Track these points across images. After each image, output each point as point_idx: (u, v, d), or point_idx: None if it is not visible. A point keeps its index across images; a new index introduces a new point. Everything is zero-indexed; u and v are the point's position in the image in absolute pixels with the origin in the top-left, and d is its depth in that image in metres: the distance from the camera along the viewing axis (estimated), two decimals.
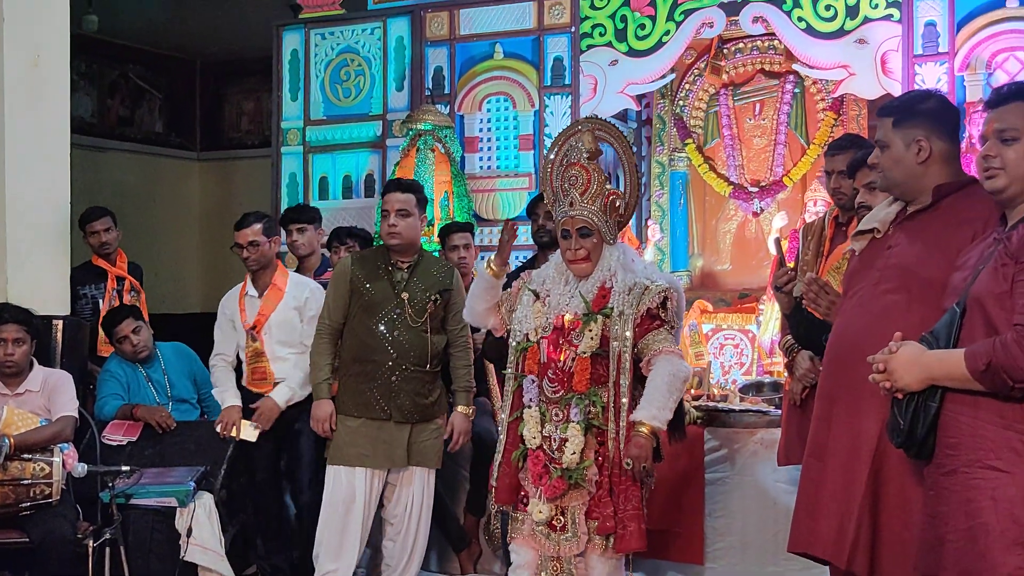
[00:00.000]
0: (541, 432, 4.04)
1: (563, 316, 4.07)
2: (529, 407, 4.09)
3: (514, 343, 4.21)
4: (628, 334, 3.99)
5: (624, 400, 3.99)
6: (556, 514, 4.02)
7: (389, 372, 4.96)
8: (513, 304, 4.27)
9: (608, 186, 4.10)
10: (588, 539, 3.99)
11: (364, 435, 4.99)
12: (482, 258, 4.80)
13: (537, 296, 4.18)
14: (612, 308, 4.01)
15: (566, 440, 3.98)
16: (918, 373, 2.86)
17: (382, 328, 4.98)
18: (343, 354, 5.11)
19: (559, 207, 4.12)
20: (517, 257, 6.68)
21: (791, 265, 4.52)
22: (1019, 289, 2.72)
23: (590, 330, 4.00)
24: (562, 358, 4.04)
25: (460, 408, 5.12)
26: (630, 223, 7.29)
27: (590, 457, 3.98)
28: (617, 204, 4.11)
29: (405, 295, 4.98)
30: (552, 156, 4.28)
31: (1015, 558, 2.69)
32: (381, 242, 5.23)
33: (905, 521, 3.11)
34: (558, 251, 4.22)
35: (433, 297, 5.01)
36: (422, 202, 5.11)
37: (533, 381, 4.09)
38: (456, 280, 5.18)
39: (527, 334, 4.15)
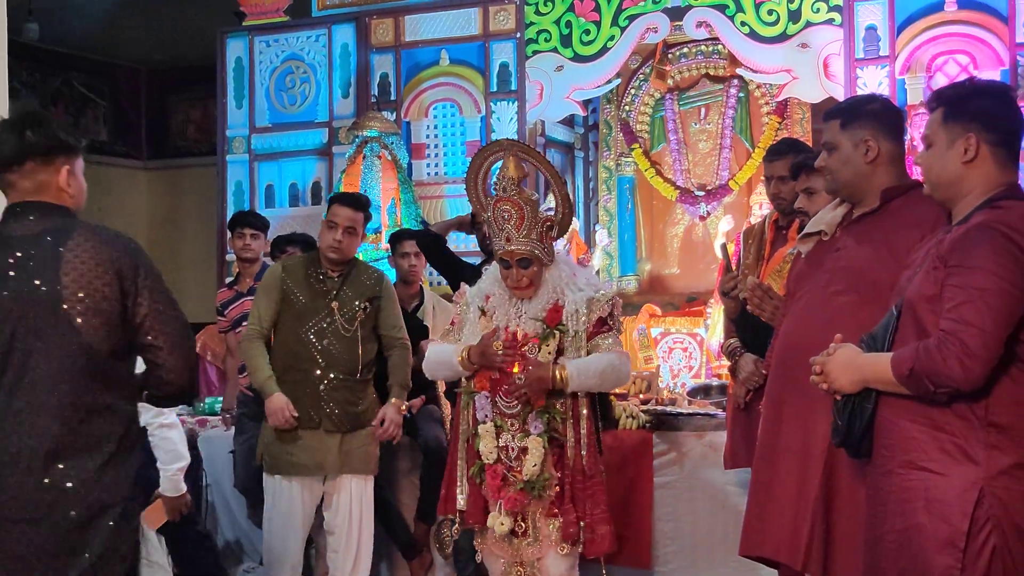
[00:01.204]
0: (497, 445, 4.08)
1: (514, 332, 4.11)
2: (484, 423, 4.12)
3: None
4: (583, 349, 4.07)
5: (584, 411, 4.08)
6: (518, 521, 4.08)
7: (318, 381, 4.91)
8: (464, 326, 4.27)
9: (540, 213, 4.12)
10: (546, 540, 4.06)
11: (297, 444, 4.96)
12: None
13: (483, 312, 4.21)
14: (566, 327, 4.07)
15: (525, 451, 4.03)
16: (852, 375, 2.87)
17: (311, 337, 4.93)
18: (272, 363, 5.04)
19: (496, 240, 4.15)
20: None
21: (736, 270, 4.53)
22: (947, 293, 2.73)
23: (547, 345, 4.06)
24: (517, 372, 4.06)
25: (393, 400, 5.05)
26: (577, 227, 7.32)
27: (549, 468, 4.04)
28: (551, 228, 4.16)
29: (335, 304, 4.93)
30: (474, 176, 4.31)
31: (946, 558, 2.71)
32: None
33: (857, 521, 3.12)
34: (495, 265, 4.24)
35: (363, 305, 4.98)
36: (367, 219, 5.13)
37: (487, 397, 4.12)
38: (386, 287, 5.15)
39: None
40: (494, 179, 4.22)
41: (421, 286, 6.12)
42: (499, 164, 4.19)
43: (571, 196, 8.14)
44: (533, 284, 4.11)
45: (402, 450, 5.72)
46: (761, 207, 7.09)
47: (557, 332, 4.07)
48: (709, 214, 7.68)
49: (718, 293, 4.13)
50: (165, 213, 10.61)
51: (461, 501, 4.18)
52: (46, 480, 2.74)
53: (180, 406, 6.50)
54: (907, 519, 2.78)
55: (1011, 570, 2.70)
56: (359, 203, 5.11)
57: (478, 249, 5.74)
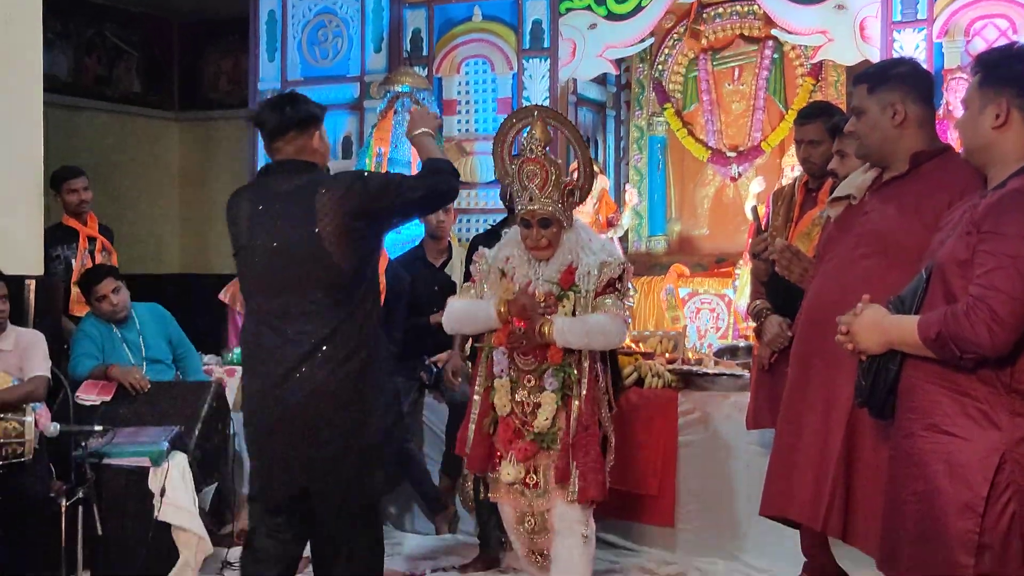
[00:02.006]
0: (512, 400, 4.22)
1: (538, 294, 4.21)
2: (500, 377, 4.26)
3: None
4: (589, 309, 4.19)
5: (586, 365, 4.19)
6: (529, 472, 4.22)
7: None
8: (484, 284, 4.38)
9: (564, 178, 4.24)
10: (557, 490, 4.18)
11: None
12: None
13: (504, 273, 4.32)
14: (579, 287, 4.20)
15: (539, 406, 4.18)
16: (878, 337, 2.88)
17: None
18: None
19: (519, 200, 4.24)
20: (486, 220, 6.70)
21: (767, 232, 4.54)
22: (979, 259, 2.73)
23: (563, 306, 4.18)
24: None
25: None
26: (607, 187, 7.32)
27: (560, 422, 4.17)
28: (572, 192, 4.26)
29: None
30: (502, 140, 4.40)
31: (965, 522, 2.72)
32: None
33: (877, 484, 3.13)
34: (515, 228, 4.35)
35: None
36: None
37: (504, 353, 4.25)
38: None
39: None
40: (522, 141, 4.30)
41: (450, 242, 6.15)
42: (527, 129, 4.28)
43: (601, 157, 8.24)
44: (552, 245, 4.21)
45: (428, 405, 5.78)
46: (793, 169, 7.05)
47: (571, 293, 4.19)
48: (740, 175, 7.65)
49: (748, 254, 4.14)
50: (196, 165, 10.64)
51: (468, 445, 4.32)
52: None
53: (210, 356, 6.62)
54: (928, 482, 2.80)
55: None
56: None
57: (501, 205, 5.74)
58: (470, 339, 5.35)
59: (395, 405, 3.87)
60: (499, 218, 6.21)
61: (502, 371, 4.26)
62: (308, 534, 3.79)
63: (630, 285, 4.34)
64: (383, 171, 4.06)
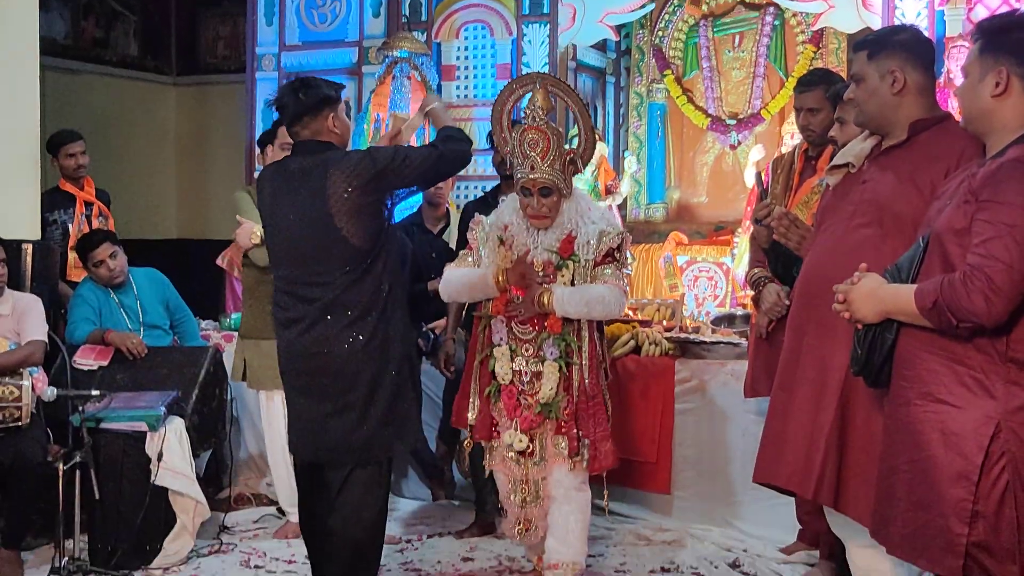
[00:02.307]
0: (512, 368, 4.23)
1: (531, 262, 4.22)
2: (499, 345, 4.28)
3: None
4: (589, 278, 4.21)
5: (585, 334, 4.22)
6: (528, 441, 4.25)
7: None
8: (481, 251, 4.38)
9: (565, 146, 4.24)
10: (555, 457, 4.21)
11: (275, 356, 5.08)
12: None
13: (502, 241, 4.32)
14: (578, 256, 4.20)
15: (539, 375, 4.21)
16: (875, 306, 2.89)
17: None
18: (245, 281, 5.27)
19: (520, 168, 4.22)
20: (484, 187, 6.67)
21: (770, 197, 4.54)
22: (976, 227, 2.72)
23: (562, 275, 4.19)
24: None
25: None
26: (606, 154, 7.30)
27: (562, 391, 4.20)
28: (573, 160, 4.26)
29: None
30: (501, 107, 4.39)
31: (959, 490, 2.73)
32: None
33: (871, 454, 3.14)
34: (513, 196, 4.35)
35: None
36: None
37: (502, 321, 4.27)
38: None
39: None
40: (522, 109, 4.29)
41: (448, 208, 6.14)
42: (527, 96, 4.28)
43: (600, 124, 8.21)
44: (551, 214, 4.21)
45: (425, 372, 5.79)
46: (792, 137, 7.02)
47: (570, 263, 4.19)
48: (740, 143, 7.63)
49: (751, 220, 4.14)
50: (194, 130, 10.60)
51: (471, 417, 4.33)
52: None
53: (207, 321, 6.63)
54: (922, 451, 2.81)
55: (1023, 505, 2.73)
56: None
57: (495, 172, 5.71)
58: (460, 319, 5.39)
59: (405, 369, 4.02)
60: (487, 185, 6.21)
61: (501, 339, 4.27)
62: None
63: (628, 254, 4.35)
64: (387, 146, 4.10)
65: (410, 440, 4.15)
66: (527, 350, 4.23)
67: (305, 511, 4.12)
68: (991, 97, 2.86)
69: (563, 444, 4.20)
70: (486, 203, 5.33)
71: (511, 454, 4.25)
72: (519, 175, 4.22)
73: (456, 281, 4.39)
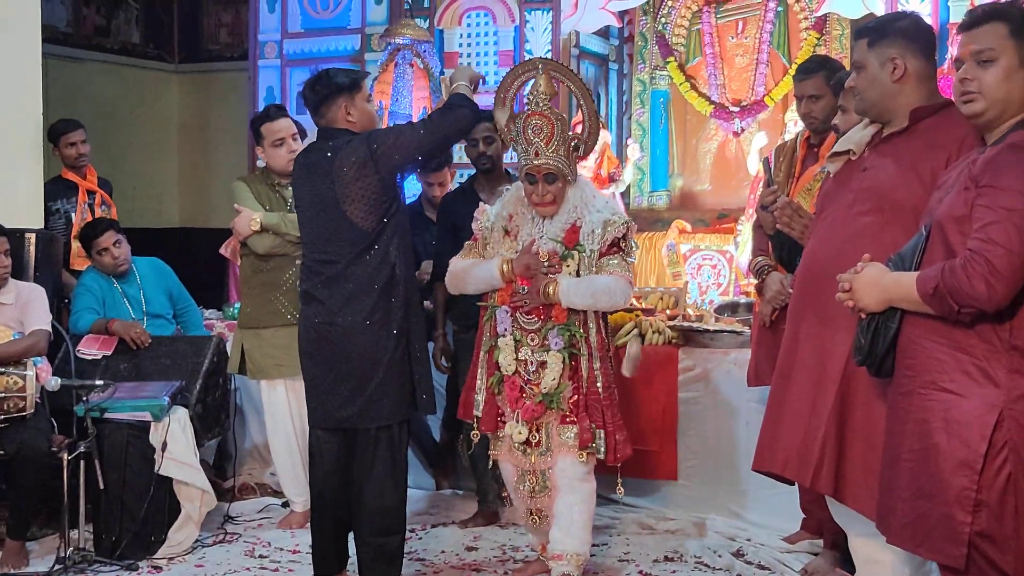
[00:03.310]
0: (516, 358, 4.23)
1: (537, 251, 4.21)
2: (504, 336, 4.27)
3: None
4: (594, 268, 4.20)
5: (592, 325, 4.21)
6: (532, 431, 4.25)
7: (293, 277, 5.06)
8: (486, 242, 4.38)
9: (569, 132, 4.23)
10: (560, 447, 4.21)
11: (275, 345, 5.12)
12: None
13: (507, 231, 4.32)
14: (584, 247, 4.19)
15: (544, 365, 4.19)
16: (878, 294, 2.89)
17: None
18: (243, 271, 5.31)
19: (524, 155, 4.21)
20: (460, 174, 6.69)
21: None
22: (976, 213, 2.73)
23: (567, 265, 4.18)
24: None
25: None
26: (609, 141, 7.29)
27: (566, 381, 4.19)
28: (577, 147, 4.27)
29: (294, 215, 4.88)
30: (503, 94, 4.39)
31: (962, 479, 2.74)
32: None
33: (871, 443, 3.15)
34: (517, 185, 4.33)
35: None
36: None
37: (507, 312, 4.26)
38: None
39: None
40: (526, 96, 4.28)
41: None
42: (531, 83, 4.27)
43: (603, 111, 8.20)
44: (556, 201, 4.20)
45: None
46: (796, 123, 7.00)
47: (576, 252, 4.18)
48: (743, 130, 7.60)
49: (758, 206, 4.13)
50: (196, 117, 10.59)
51: (478, 408, 4.33)
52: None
53: (211, 310, 6.64)
54: (925, 439, 2.81)
55: None
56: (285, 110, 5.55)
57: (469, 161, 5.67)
58: (446, 312, 5.38)
59: (413, 341, 4.21)
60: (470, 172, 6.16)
61: (506, 330, 4.26)
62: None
63: (633, 243, 4.34)
64: (388, 125, 4.20)
65: (423, 407, 4.29)
66: (532, 340, 4.22)
67: (332, 480, 4.24)
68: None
69: (569, 435, 4.19)
70: (463, 192, 5.33)
71: (517, 444, 4.26)
72: (523, 161, 4.21)
73: (461, 272, 4.39)
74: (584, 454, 4.17)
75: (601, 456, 4.21)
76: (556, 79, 4.31)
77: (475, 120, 4.33)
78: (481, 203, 4.51)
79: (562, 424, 4.20)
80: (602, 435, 4.19)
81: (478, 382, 4.36)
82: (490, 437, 4.38)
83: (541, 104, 4.18)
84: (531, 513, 4.38)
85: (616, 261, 4.20)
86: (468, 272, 4.37)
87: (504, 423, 4.30)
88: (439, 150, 4.65)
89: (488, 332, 4.34)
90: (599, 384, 4.20)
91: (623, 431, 4.25)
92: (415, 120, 6.69)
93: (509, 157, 5.19)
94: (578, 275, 4.18)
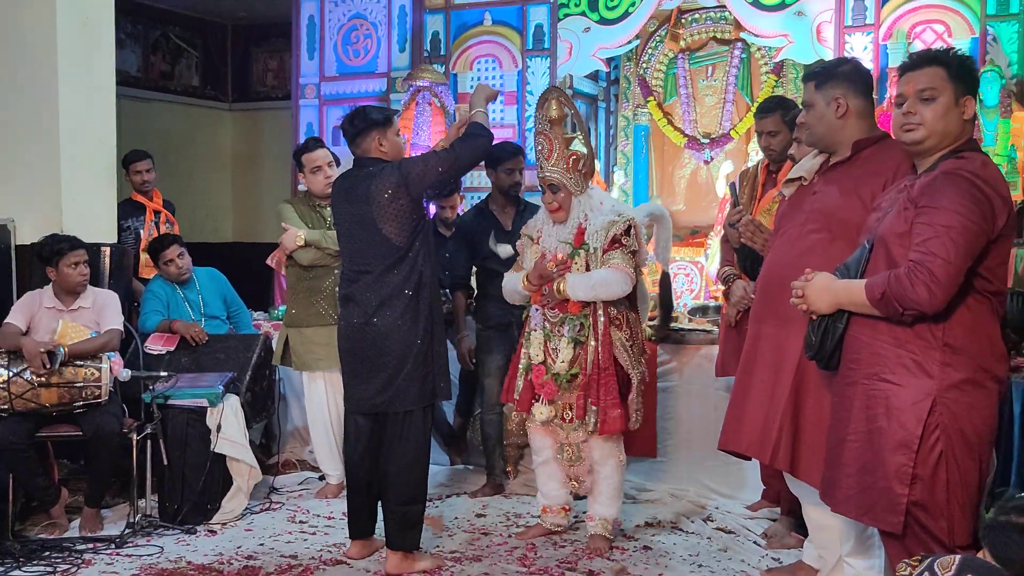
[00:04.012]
0: (543, 348, 4.26)
1: (556, 255, 4.24)
2: (535, 330, 4.31)
3: None
4: (599, 263, 4.20)
5: (601, 313, 4.20)
6: (565, 409, 4.26)
7: (332, 284, 5.08)
8: (524, 255, 4.45)
9: (569, 149, 4.24)
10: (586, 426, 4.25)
11: (316, 342, 5.11)
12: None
13: (532, 239, 4.38)
14: (588, 244, 4.19)
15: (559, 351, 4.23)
16: (828, 298, 2.88)
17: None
18: (289, 279, 5.31)
19: (537, 169, 4.30)
20: (473, 197, 6.68)
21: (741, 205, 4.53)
22: (916, 230, 2.73)
23: (576, 263, 4.20)
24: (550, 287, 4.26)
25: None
26: (598, 169, 7.27)
27: (576, 365, 4.20)
28: (577, 161, 4.26)
29: (333, 232, 4.88)
30: (535, 117, 4.40)
31: (901, 457, 2.74)
32: None
33: (821, 427, 3.15)
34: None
35: None
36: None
37: (537, 309, 4.31)
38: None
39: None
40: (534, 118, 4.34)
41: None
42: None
43: (592, 143, 8.17)
44: (563, 208, 4.24)
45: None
46: (757, 153, 6.98)
47: (582, 251, 4.18)
48: (712, 159, 7.58)
49: (725, 224, 4.12)
50: (247, 149, 10.60)
51: (517, 392, 4.37)
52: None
53: (259, 312, 6.63)
54: (869, 423, 2.81)
55: (954, 469, 2.73)
56: (321, 142, 5.43)
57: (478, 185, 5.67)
58: (465, 315, 5.37)
59: (436, 338, 4.21)
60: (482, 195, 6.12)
61: (536, 325, 4.30)
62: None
63: (640, 239, 4.31)
64: (418, 155, 4.30)
65: (441, 394, 4.27)
66: (557, 332, 4.24)
67: (366, 458, 4.25)
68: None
69: (591, 417, 4.19)
70: (480, 212, 5.33)
71: (555, 421, 4.26)
72: (537, 174, 4.30)
73: (508, 288, 4.48)
74: (592, 426, 4.17)
75: (591, 428, 4.18)
76: (563, 103, 4.32)
77: (487, 148, 4.29)
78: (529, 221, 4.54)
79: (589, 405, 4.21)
80: (595, 410, 4.17)
81: (519, 370, 4.37)
82: (525, 417, 4.43)
83: (541, 124, 4.24)
84: (569, 479, 4.42)
85: (617, 255, 4.18)
86: (507, 287, 4.47)
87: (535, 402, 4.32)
88: (460, 174, 4.62)
89: (526, 328, 4.38)
90: (600, 365, 4.18)
91: (617, 408, 4.19)
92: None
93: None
94: (587, 270, 4.18)
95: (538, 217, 4.43)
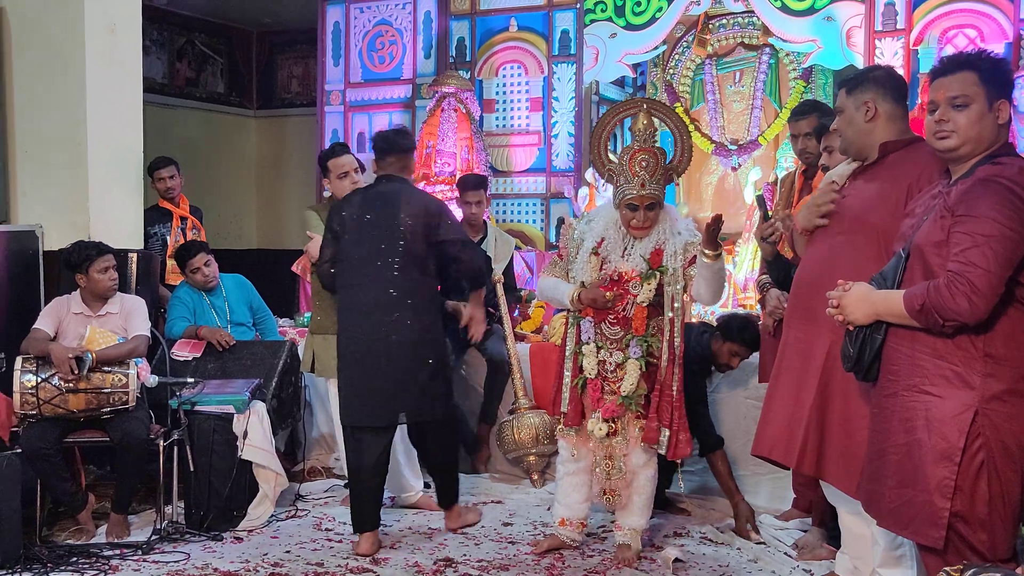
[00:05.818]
0: (598, 361, 4.18)
1: (619, 270, 4.15)
2: (588, 343, 4.21)
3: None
4: (679, 286, 4.12)
5: (668, 334, 4.13)
6: (622, 428, 4.21)
7: None
8: (574, 255, 4.31)
9: (665, 163, 4.16)
10: (634, 440, 4.20)
11: None
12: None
13: (595, 252, 4.23)
14: (666, 267, 4.11)
15: (621, 367, 4.14)
16: (866, 309, 2.85)
17: None
18: (314, 285, 5.25)
19: (627, 185, 4.11)
20: (519, 204, 6.65)
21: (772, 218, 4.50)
22: (954, 239, 2.69)
23: (648, 284, 4.11)
24: (622, 305, 4.15)
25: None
26: None
27: (644, 385, 4.14)
28: (670, 175, 4.24)
29: None
30: (601, 131, 4.30)
31: (942, 470, 2.70)
32: None
33: (848, 431, 3.13)
34: (607, 208, 4.28)
35: None
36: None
37: (591, 322, 4.20)
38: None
39: (583, 282, 4.23)
40: (629, 131, 4.24)
41: (485, 221, 6.12)
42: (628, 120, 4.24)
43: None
44: (652, 226, 4.14)
45: (468, 363, 5.77)
46: (785, 160, 6.97)
47: (658, 273, 4.11)
48: (740, 165, 7.56)
49: (757, 239, 4.08)
50: (271, 156, 10.64)
51: (564, 405, 4.28)
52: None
53: (284, 319, 6.64)
54: (909, 435, 2.77)
55: (995, 481, 2.69)
56: (347, 147, 5.46)
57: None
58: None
59: (446, 347, 4.56)
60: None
61: (589, 338, 4.20)
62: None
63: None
64: (454, 224, 4.71)
65: (448, 400, 4.61)
66: (613, 345, 4.15)
67: (372, 469, 4.51)
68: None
69: (640, 428, 4.16)
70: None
71: (600, 435, 4.19)
72: (627, 192, 4.11)
73: (545, 289, 4.39)
74: (662, 448, 4.13)
75: (662, 452, 4.15)
76: (657, 116, 4.22)
77: (481, 276, 4.93)
78: (568, 218, 4.51)
79: (636, 419, 4.17)
80: (667, 433, 4.12)
81: (564, 382, 4.29)
82: (574, 430, 4.29)
83: (647, 141, 4.11)
84: (604, 492, 4.33)
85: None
86: (547, 290, 4.37)
87: (584, 419, 4.25)
88: (457, 259, 4.65)
89: (572, 339, 4.27)
90: (674, 387, 4.12)
91: (686, 432, 4.15)
92: (456, 165, 6.74)
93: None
94: (658, 292, 4.10)
95: (595, 218, 4.29)
